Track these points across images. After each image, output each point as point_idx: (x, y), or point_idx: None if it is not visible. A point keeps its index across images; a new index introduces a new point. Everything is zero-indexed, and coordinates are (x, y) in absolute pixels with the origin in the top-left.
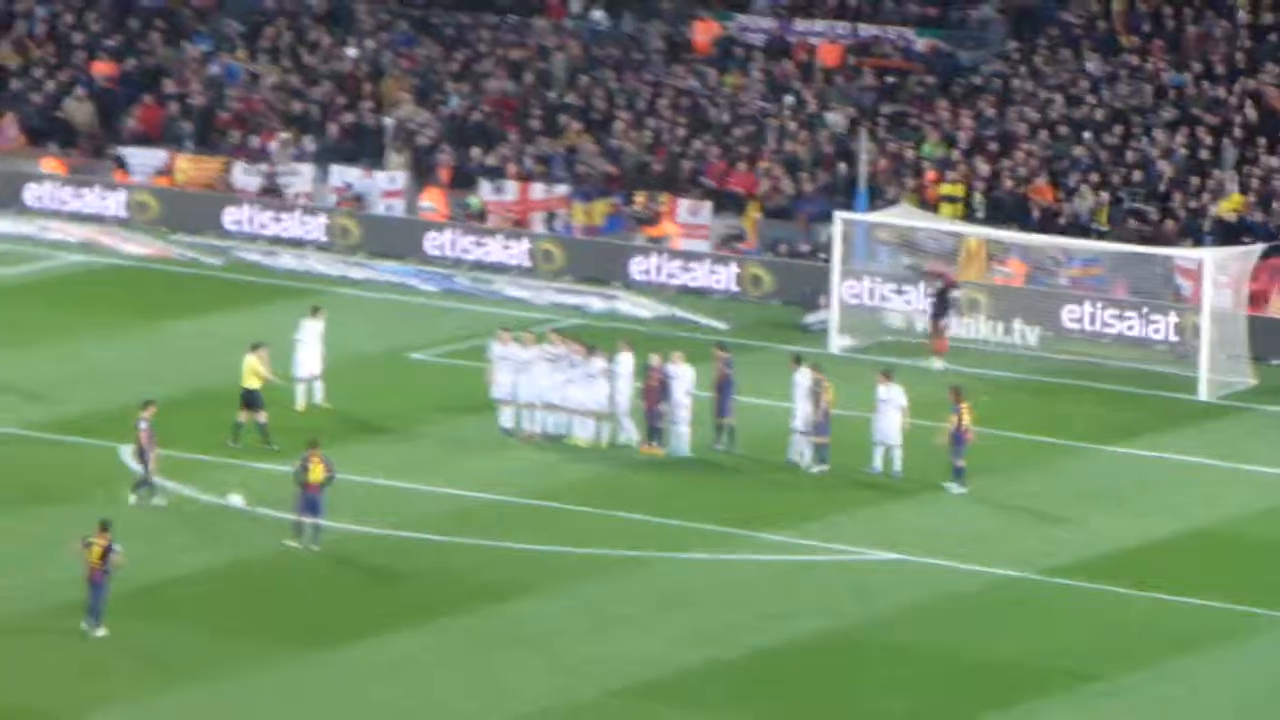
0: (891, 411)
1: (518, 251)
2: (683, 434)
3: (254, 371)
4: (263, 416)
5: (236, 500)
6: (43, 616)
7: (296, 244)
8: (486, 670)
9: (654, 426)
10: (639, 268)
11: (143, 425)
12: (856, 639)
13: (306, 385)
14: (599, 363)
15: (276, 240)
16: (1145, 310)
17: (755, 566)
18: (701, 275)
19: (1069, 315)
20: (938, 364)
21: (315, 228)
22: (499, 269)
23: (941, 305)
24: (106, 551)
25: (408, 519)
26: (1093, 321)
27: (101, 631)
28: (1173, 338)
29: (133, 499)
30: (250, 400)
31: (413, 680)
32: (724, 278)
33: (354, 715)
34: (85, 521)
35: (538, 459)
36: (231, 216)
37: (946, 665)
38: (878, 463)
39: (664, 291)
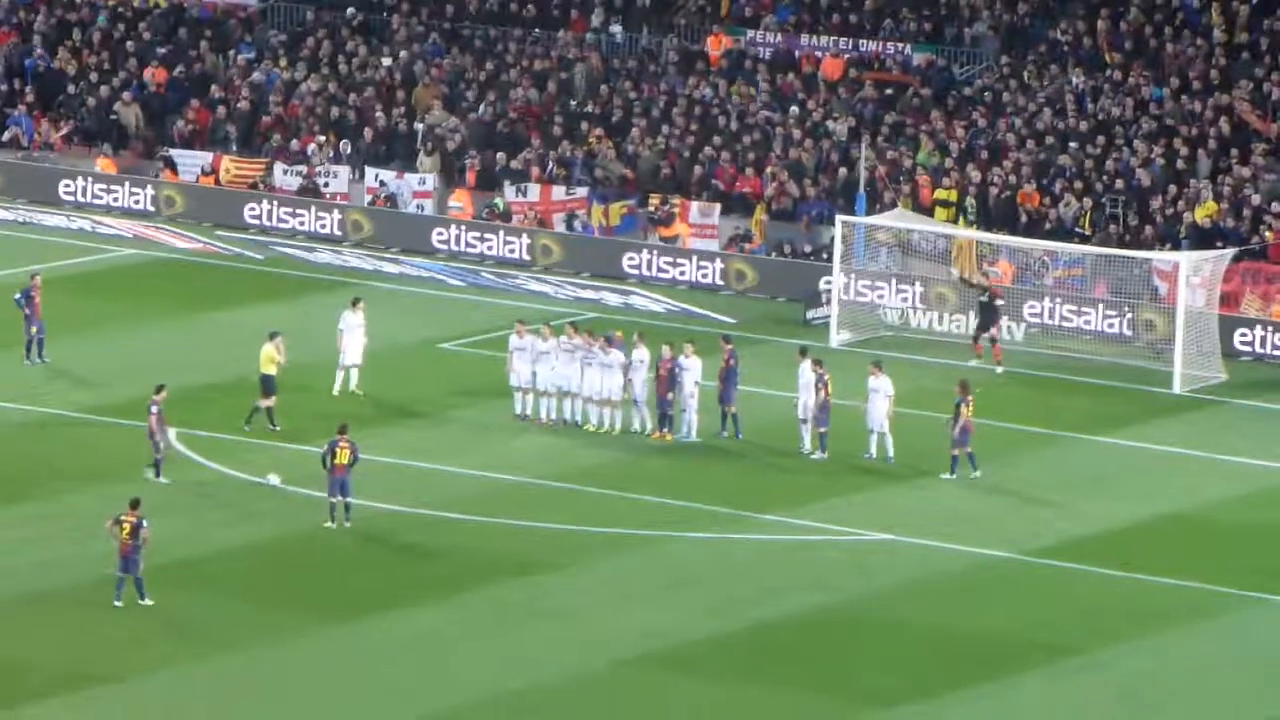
0: (880, 400)
1: (517, 247)
2: (691, 421)
3: (270, 359)
4: (268, 402)
5: (274, 480)
6: (90, 589)
7: (311, 237)
8: (507, 641)
9: (664, 414)
10: (630, 263)
11: (154, 409)
12: (853, 614)
13: (345, 372)
14: (615, 354)
15: (294, 234)
16: (1102, 308)
17: (758, 546)
18: (690, 270)
19: (1029, 310)
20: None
21: (329, 222)
22: (499, 261)
23: (989, 315)
24: (136, 528)
25: (435, 499)
26: (1051, 316)
27: (148, 601)
28: (1127, 332)
29: (162, 480)
30: (266, 385)
31: (438, 650)
32: (710, 273)
33: (382, 683)
34: (127, 500)
35: (555, 444)
36: (251, 211)
37: (936, 638)
38: (872, 449)
39: (658, 285)
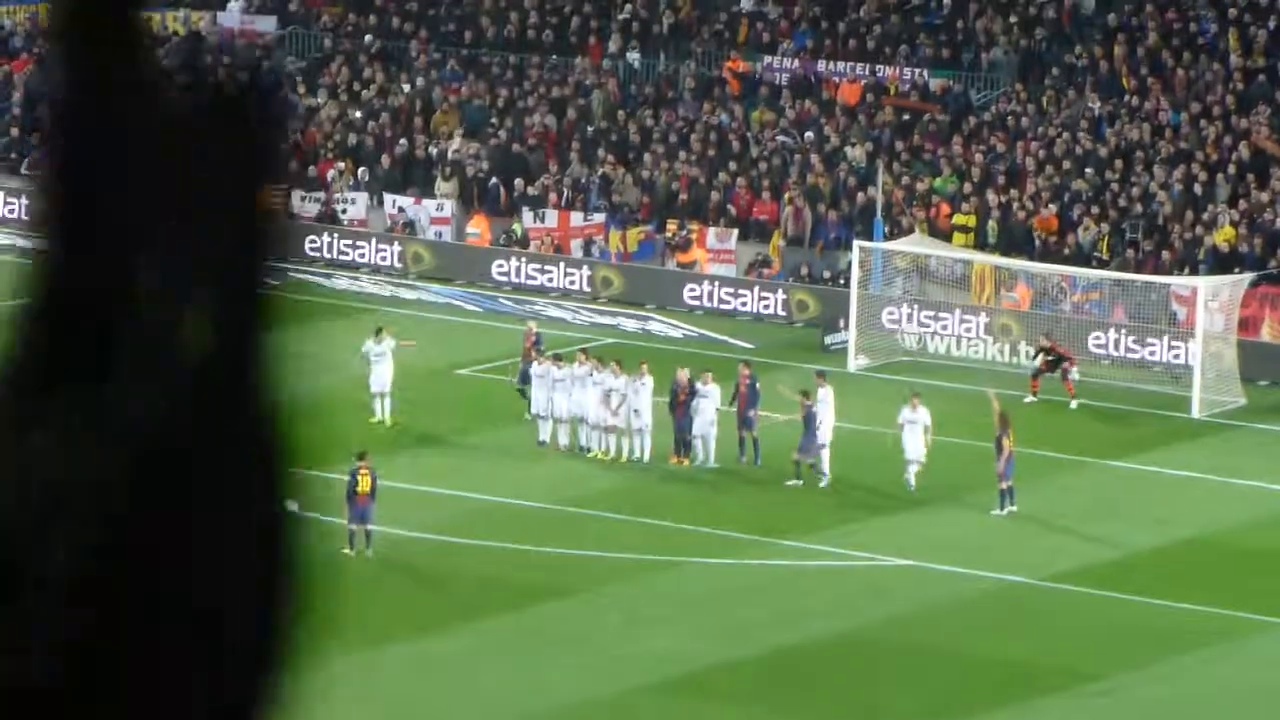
0: (918, 430)
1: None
2: (710, 448)
3: None
4: None
5: (292, 506)
6: None
7: None
8: (523, 666)
9: (681, 439)
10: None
11: None
12: (871, 639)
13: (380, 399)
14: (625, 380)
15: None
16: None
17: (775, 570)
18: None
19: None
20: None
21: None
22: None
23: (1049, 366)
24: None
25: (453, 524)
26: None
27: None
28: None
29: None
30: None
31: (455, 676)
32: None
33: (399, 708)
34: None
35: (571, 469)
36: None
37: (955, 663)
38: (910, 479)
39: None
